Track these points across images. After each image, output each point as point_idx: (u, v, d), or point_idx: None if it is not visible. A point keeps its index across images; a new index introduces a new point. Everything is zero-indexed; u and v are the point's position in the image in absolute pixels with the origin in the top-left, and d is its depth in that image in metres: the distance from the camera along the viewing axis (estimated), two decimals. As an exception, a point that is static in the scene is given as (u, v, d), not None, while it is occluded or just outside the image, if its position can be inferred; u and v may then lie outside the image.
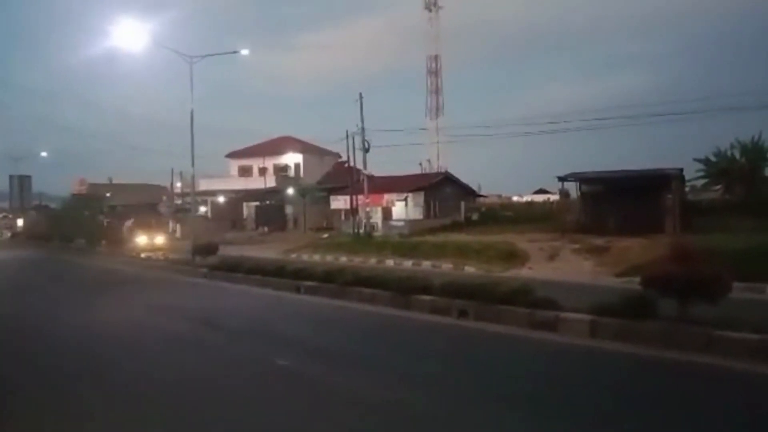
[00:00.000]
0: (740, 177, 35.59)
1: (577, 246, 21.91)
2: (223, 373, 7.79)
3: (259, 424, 5.84)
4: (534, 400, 6.37)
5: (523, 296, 10.44)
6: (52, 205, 63.58)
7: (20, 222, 61.71)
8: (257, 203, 49.65)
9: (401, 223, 35.55)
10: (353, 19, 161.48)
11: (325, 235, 35.65)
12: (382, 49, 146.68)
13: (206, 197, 51.10)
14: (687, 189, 36.40)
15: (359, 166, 36.31)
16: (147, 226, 36.36)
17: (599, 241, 21.96)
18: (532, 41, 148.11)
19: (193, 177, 30.82)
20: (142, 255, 29.73)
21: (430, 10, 68.94)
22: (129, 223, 37.93)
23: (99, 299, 15.70)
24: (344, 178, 39.52)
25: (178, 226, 43.50)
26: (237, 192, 51.08)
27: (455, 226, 36.14)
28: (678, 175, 28.40)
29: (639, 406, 6.09)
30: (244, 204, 50.82)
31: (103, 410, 6.33)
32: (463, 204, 45.49)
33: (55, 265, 29.51)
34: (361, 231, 33.94)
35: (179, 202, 48.64)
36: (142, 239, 34.35)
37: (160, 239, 35.10)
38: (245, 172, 57.45)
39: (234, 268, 19.11)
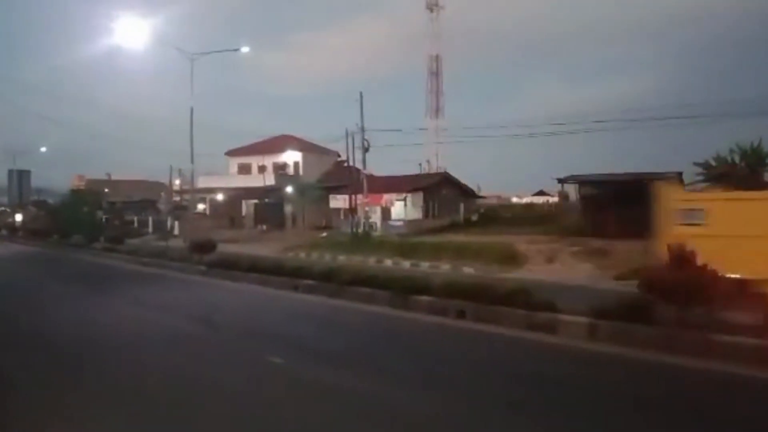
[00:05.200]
0: (740, 182, 35.56)
1: (575, 248, 21.92)
2: (217, 370, 7.78)
3: (251, 421, 5.83)
4: (530, 402, 6.37)
5: (521, 298, 10.45)
6: (51, 201, 63.44)
7: (18, 217, 61.60)
8: (256, 201, 49.57)
9: (400, 223, 35.54)
10: (354, 19, 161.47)
11: (324, 234, 35.61)
12: (382, 49, 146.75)
13: (205, 194, 51.02)
14: (686, 193, 36.37)
15: (359, 165, 36.29)
16: None
17: (598, 244, 21.97)
18: (533, 43, 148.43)
19: (192, 174, 30.84)
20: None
21: (432, 11, 68.96)
22: None
23: (96, 296, 15.68)
24: (343, 177, 39.48)
25: (176, 224, 43.39)
26: (236, 190, 51.00)
27: (454, 227, 36.16)
28: (677, 179, 28.41)
29: (636, 410, 6.09)
30: (243, 202, 50.74)
31: (100, 406, 6.32)
32: (462, 205, 45.51)
33: (53, 261, 29.46)
34: (360, 230, 33.91)
35: (178, 199, 48.57)
36: None
37: None
38: (244, 170, 57.29)
39: (232, 266, 19.09)
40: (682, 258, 8.94)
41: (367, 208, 36.24)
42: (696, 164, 38.30)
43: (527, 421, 5.80)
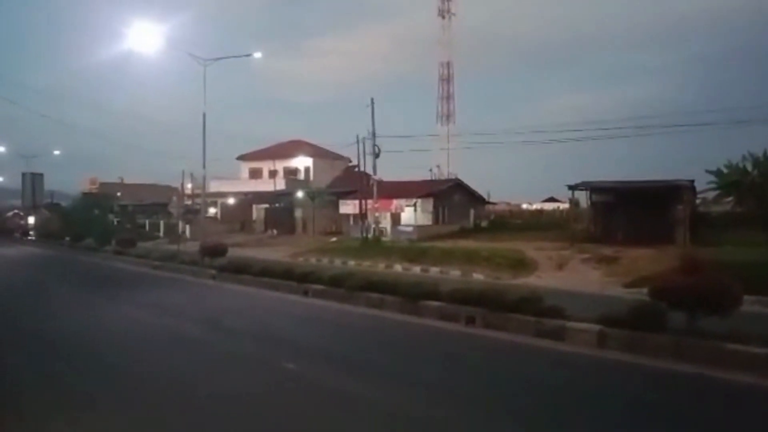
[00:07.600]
0: (752, 190, 35.25)
1: (586, 255, 21.85)
2: (230, 375, 7.82)
3: (263, 426, 5.86)
4: (539, 409, 6.36)
5: (531, 304, 10.44)
6: (64, 204, 63.97)
7: (31, 220, 62.18)
8: (266, 206, 49.76)
9: (410, 229, 35.52)
10: (366, 26, 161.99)
11: (334, 239, 35.70)
12: (394, 55, 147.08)
13: (216, 199, 51.29)
14: (698, 201, 36.14)
15: (369, 170, 36.34)
16: None
17: (608, 251, 21.90)
18: (544, 50, 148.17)
19: (204, 178, 30.96)
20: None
21: (444, 17, 69.25)
22: None
23: (107, 299, 15.80)
24: (354, 182, 39.58)
25: (188, 227, 43.61)
26: (247, 194, 51.23)
27: (464, 233, 36.08)
28: (689, 187, 28.22)
29: (645, 419, 6.06)
30: (254, 206, 50.95)
31: (108, 409, 6.37)
32: (472, 211, 45.41)
33: (64, 264, 29.70)
34: (370, 236, 33.94)
35: (189, 203, 48.80)
36: None
37: None
38: (255, 174, 57.64)
39: (242, 270, 19.18)
40: (694, 266, 8.90)
41: (377, 214, 36.27)
42: (708, 172, 38.03)
43: (534, 429, 5.79)
